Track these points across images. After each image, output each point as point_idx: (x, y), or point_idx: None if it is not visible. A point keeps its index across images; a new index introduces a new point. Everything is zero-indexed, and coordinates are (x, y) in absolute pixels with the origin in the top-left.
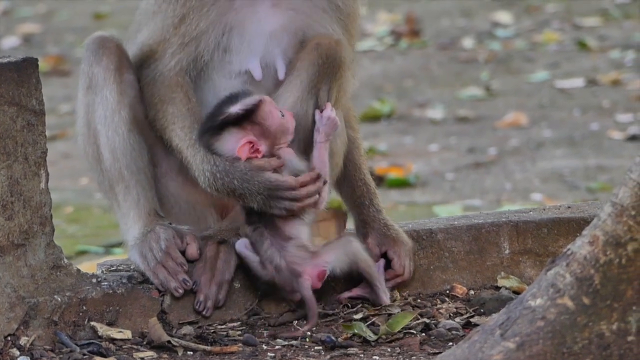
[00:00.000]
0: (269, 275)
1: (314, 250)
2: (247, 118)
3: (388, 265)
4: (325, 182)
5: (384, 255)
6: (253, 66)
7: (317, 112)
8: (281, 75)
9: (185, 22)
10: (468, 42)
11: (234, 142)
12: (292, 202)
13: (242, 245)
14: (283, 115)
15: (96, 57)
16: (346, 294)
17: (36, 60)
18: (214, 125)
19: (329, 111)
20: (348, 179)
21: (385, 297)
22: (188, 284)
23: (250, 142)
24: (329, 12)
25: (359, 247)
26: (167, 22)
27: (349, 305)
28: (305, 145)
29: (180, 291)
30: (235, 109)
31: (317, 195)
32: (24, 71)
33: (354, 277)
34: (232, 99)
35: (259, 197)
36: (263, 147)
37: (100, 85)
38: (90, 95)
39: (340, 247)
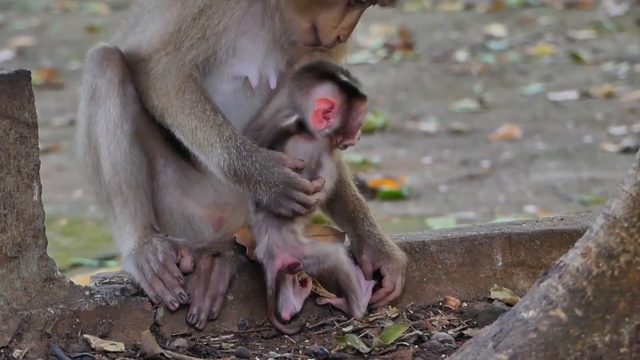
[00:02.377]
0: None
1: (301, 240)
2: (349, 96)
3: (379, 281)
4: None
5: (377, 271)
6: (252, 74)
7: None
8: (273, 84)
9: (205, 14)
10: (461, 55)
11: (323, 94)
12: (302, 205)
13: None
14: (360, 126)
15: (100, 68)
16: (325, 300)
17: (29, 72)
18: (324, 71)
19: None
20: (339, 197)
21: (358, 311)
22: (184, 297)
23: (332, 107)
24: None
25: (344, 258)
26: (185, 12)
27: (342, 317)
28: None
29: (176, 305)
30: (347, 79)
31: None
32: (16, 84)
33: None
34: (347, 72)
35: (273, 190)
36: (334, 122)
37: (104, 97)
38: (92, 107)
39: (326, 250)
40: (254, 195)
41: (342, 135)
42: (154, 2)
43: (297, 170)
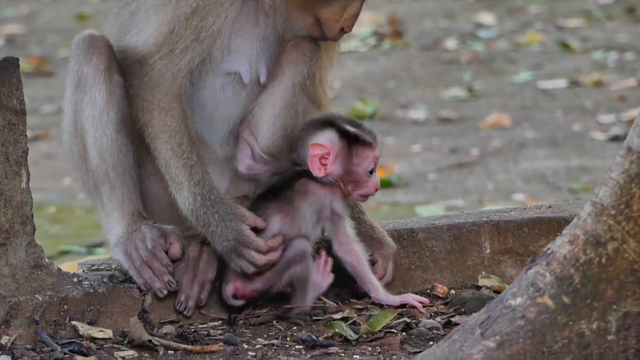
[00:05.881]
0: None
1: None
2: (349, 142)
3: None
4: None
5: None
6: (244, 69)
7: None
8: (263, 79)
9: (198, 15)
10: (451, 43)
11: (316, 140)
12: (250, 264)
13: None
14: (372, 175)
15: (86, 56)
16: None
17: (17, 59)
18: (325, 121)
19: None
20: None
21: (304, 302)
22: (172, 285)
23: (329, 153)
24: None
25: (306, 252)
26: (179, 12)
27: (330, 304)
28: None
29: (165, 292)
30: (350, 128)
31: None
32: (4, 71)
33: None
34: (355, 122)
35: (225, 243)
36: (333, 169)
37: (90, 84)
38: (78, 94)
39: (287, 260)
40: (211, 242)
41: (352, 184)
42: (150, 0)
43: (257, 230)
